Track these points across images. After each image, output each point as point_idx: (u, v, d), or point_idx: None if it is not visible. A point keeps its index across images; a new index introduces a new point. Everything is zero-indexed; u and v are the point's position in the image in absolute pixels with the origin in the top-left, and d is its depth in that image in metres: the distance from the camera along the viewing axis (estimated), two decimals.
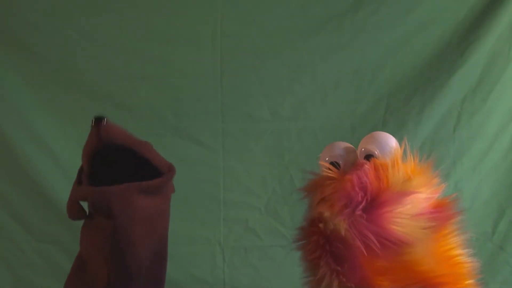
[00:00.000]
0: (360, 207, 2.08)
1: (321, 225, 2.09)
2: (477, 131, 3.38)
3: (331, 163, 2.22)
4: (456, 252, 2.13)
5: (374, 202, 2.07)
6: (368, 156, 2.18)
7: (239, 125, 3.38)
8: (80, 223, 3.19)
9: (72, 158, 3.31)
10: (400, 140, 2.26)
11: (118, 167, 2.33)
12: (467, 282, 2.10)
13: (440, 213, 2.11)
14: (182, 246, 3.26)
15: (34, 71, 3.32)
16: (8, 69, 3.31)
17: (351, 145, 2.29)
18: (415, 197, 2.11)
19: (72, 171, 3.30)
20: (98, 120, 2.22)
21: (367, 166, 2.13)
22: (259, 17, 3.38)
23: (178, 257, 3.24)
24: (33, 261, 3.32)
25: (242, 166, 3.38)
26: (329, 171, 2.21)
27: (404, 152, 2.21)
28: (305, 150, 3.36)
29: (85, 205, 2.44)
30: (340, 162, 2.21)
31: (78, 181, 2.37)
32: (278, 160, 3.39)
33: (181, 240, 3.25)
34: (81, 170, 2.40)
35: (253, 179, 3.38)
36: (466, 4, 3.36)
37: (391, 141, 2.21)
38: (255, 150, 3.39)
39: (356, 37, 3.38)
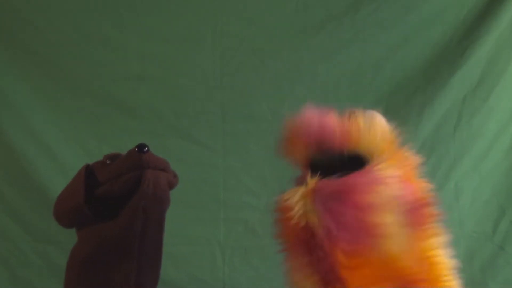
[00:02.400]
0: (312, 147, 2.07)
1: (287, 214, 2.08)
2: (477, 131, 3.38)
3: None
4: (436, 252, 2.09)
5: (346, 187, 2.03)
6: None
7: (239, 125, 3.38)
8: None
9: (71, 158, 3.31)
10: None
11: None
12: (445, 282, 2.08)
13: (420, 211, 2.09)
14: (182, 246, 3.26)
15: (34, 71, 3.32)
16: (8, 69, 3.31)
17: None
18: (390, 185, 2.07)
19: (72, 171, 3.32)
20: (144, 147, 2.30)
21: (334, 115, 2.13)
22: (259, 17, 3.38)
23: (178, 257, 3.24)
24: (32, 261, 3.31)
25: (242, 166, 3.38)
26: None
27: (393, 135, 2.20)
28: None
29: None
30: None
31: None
32: (278, 160, 3.39)
33: (181, 240, 3.25)
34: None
35: (253, 179, 3.38)
36: (466, 4, 3.37)
37: (379, 118, 2.22)
38: (255, 150, 3.39)
39: (356, 37, 3.38)
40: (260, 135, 3.40)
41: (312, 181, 2.06)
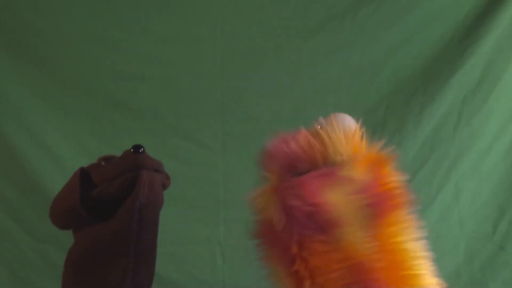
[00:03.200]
0: (284, 170, 2.12)
1: (252, 209, 2.18)
2: (477, 131, 3.38)
3: None
4: (399, 239, 2.08)
5: (300, 183, 2.09)
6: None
7: (239, 125, 3.38)
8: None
9: (71, 158, 3.31)
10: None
11: None
12: (409, 271, 2.07)
13: (383, 201, 2.09)
14: (182, 246, 3.26)
15: (34, 71, 3.32)
16: (8, 69, 3.31)
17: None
18: (353, 179, 2.09)
19: (72, 171, 3.32)
20: (139, 148, 2.31)
21: (303, 131, 2.15)
22: (259, 17, 3.38)
23: (178, 257, 3.24)
24: (32, 262, 3.31)
25: (242, 166, 3.38)
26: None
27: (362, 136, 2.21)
28: None
29: None
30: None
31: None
32: None
33: (181, 240, 3.25)
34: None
35: (253, 179, 3.37)
36: (466, 4, 3.37)
37: (348, 121, 2.23)
38: (255, 150, 3.38)
39: (356, 37, 3.38)
40: (260, 135, 3.38)
41: (273, 180, 2.15)
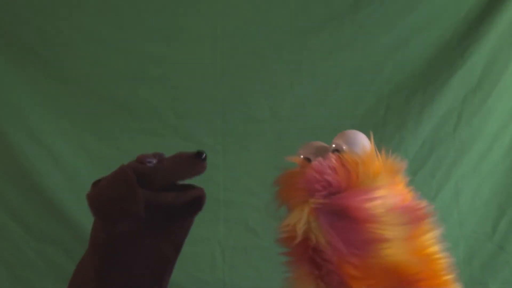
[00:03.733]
0: (320, 194, 2.09)
1: (293, 233, 2.11)
2: (477, 131, 3.38)
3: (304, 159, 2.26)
4: (432, 250, 2.13)
5: (343, 199, 2.09)
6: (336, 151, 2.20)
7: (239, 125, 3.38)
8: (81, 225, 3.21)
9: (71, 158, 3.31)
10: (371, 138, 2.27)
11: None
12: (444, 278, 2.11)
13: (413, 213, 2.13)
14: None
15: (34, 71, 3.32)
16: (8, 69, 3.31)
17: (326, 144, 2.31)
18: (385, 193, 2.12)
19: (72, 171, 3.33)
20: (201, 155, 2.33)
21: (333, 156, 2.14)
22: (259, 17, 3.38)
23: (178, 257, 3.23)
24: (32, 261, 3.31)
25: (242, 166, 3.38)
26: (299, 165, 2.25)
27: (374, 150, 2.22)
28: None
29: None
30: (312, 158, 2.23)
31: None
32: (278, 160, 3.39)
33: None
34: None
35: (253, 179, 3.38)
36: (466, 4, 3.37)
37: (360, 138, 2.23)
38: (255, 150, 3.39)
39: (356, 37, 3.38)
40: (260, 135, 3.40)
41: (313, 201, 2.09)
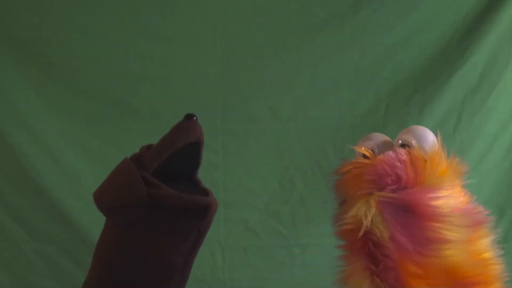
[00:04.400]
0: (390, 188, 2.07)
1: (356, 226, 2.08)
2: (477, 131, 3.38)
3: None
4: (488, 255, 2.15)
5: (411, 195, 2.07)
6: (404, 146, 2.17)
7: (239, 125, 3.37)
8: (81, 225, 3.21)
9: (71, 158, 3.31)
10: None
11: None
12: (498, 284, 2.11)
13: (473, 216, 2.13)
14: None
15: (34, 71, 3.32)
16: (8, 69, 3.31)
17: (389, 138, 2.29)
18: (448, 193, 2.11)
19: (72, 171, 3.33)
20: (191, 117, 2.29)
21: (403, 151, 2.12)
22: (259, 17, 3.38)
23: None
24: (32, 261, 3.31)
25: (242, 166, 3.38)
26: (363, 157, 2.20)
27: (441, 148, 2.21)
28: (305, 150, 3.36)
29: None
30: (376, 151, 2.20)
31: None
32: (278, 160, 3.39)
33: None
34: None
35: (253, 179, 3.38)
36: (466, 4, 3.36)
37: (429, 135, 2.21)
38: (255, 150, 3.39)
39: (356, 37, 3.38)
40: (260, 135, 3.40)
41: (381, 194, 2.08)
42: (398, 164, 2.09)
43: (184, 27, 3.37)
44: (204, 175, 3.33)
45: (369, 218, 2.06)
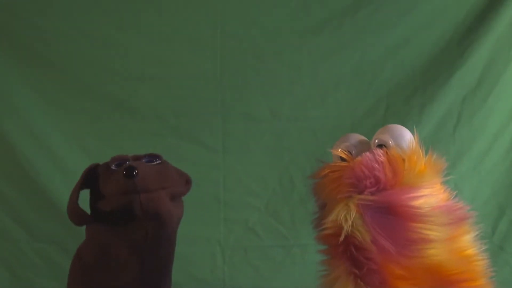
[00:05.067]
0: (369, 191, 2.06)
1: (337, 230, 2.06)
2: (477, 131, 3.38)
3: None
4: (471, 251, 2.13)
5: (391, 197, 2.06)
6: (381, 146, 2.15)
7: (239, 125, 3.38)
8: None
9: (71, 158, 3.31)
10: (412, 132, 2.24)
11: None
12: (483, 280, 2.11)
13: (454, 213, 2.12)
14: (182, 246, 3.23)
15: (34, 71, 3.32)
16: (8, 69, 3.31)
17: (365, 137, 2.27)
18: (428, 192, 2.10)
19: (72, 171, 3.32)
20: (132, 171, 2.15)
21: (380, 152, 2.11)
22: (259, 17, 3.38)
23: (178, 257, 3.22)
24: (32, 262, 3.31)
25: (242, 166, 3.38)
26: (340, 160, 2.17)
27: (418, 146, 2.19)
28: (305, 150, 3.36)
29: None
30: (353, 152, 2.18)
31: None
32: (278, 160, 3.39)
33: (181, 240, 3.24)
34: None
35: (253, 179, 3.38)
36: (466, 4, 3.36)
37: (406, 134, 2.19)
38: (255, 150, 3.39)
39: (356, 37, 3.38)
40: (260, 135, 3.40)
41: (360, 197, 2.07)
42: (376, 165, 2.07)
43: (184, 27, 3.37)
44: (204, 175, 3.36)
45: (350, 222, 2.04)
